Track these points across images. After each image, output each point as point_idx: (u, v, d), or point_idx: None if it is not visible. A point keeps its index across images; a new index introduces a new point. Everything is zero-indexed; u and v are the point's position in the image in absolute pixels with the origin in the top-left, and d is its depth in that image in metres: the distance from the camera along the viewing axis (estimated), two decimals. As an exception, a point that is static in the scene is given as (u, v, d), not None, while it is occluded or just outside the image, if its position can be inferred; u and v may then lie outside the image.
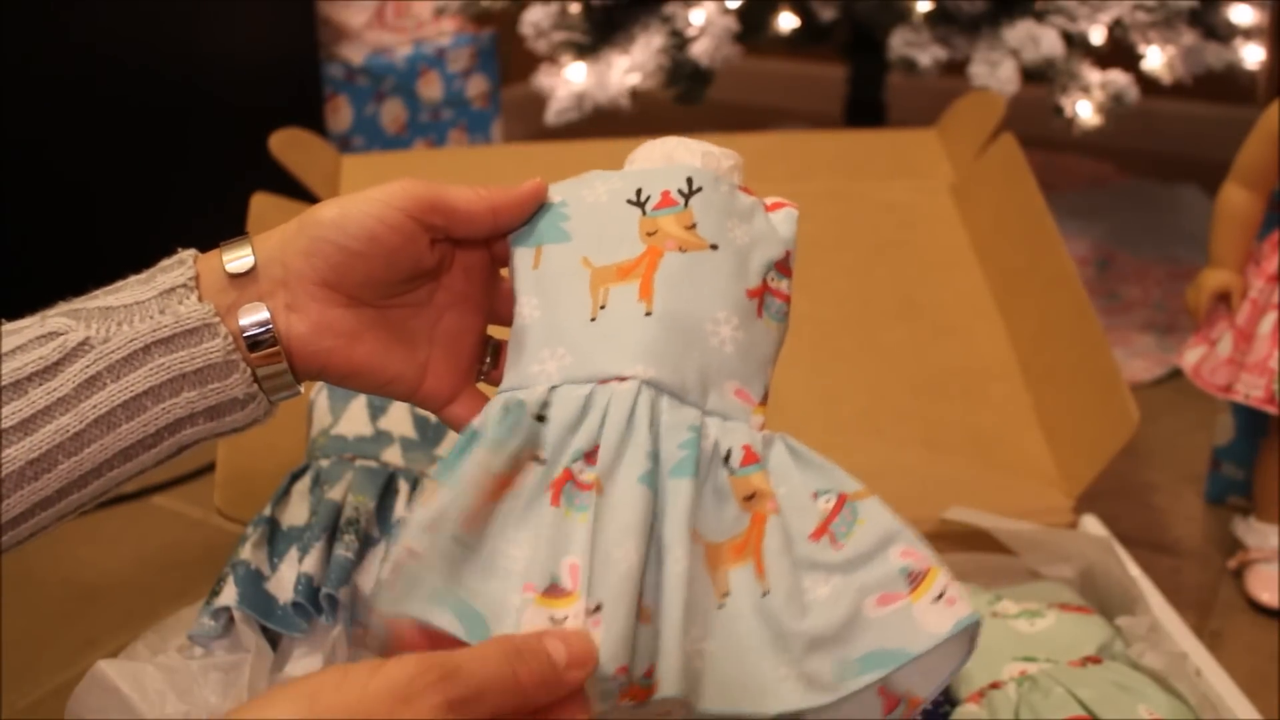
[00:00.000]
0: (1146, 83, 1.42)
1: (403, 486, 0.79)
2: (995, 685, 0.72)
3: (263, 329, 0.50)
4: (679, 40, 1.46)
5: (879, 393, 1.05)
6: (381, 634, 0.43)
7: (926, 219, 1.17)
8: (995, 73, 1.35)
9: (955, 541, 0.88)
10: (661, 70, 1.47)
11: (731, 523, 0.47)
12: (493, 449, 0.46)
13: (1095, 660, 0.72)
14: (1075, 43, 1.41)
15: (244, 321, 0.50)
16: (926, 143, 1.23)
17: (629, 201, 0.52)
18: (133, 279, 0.51)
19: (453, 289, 0.55)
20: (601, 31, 1.54)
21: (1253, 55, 1.49)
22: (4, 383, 0.47)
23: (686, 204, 0.51)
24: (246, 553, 0.74)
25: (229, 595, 0.71)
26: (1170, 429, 1.26)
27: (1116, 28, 1.41)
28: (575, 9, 1.53)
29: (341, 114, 1.82)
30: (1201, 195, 1.86)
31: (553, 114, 1.52)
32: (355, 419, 0.83)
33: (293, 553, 0.74)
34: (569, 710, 0.40)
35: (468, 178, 0.53)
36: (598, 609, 0.42)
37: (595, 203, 0.53)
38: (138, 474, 0.51)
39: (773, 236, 0.52)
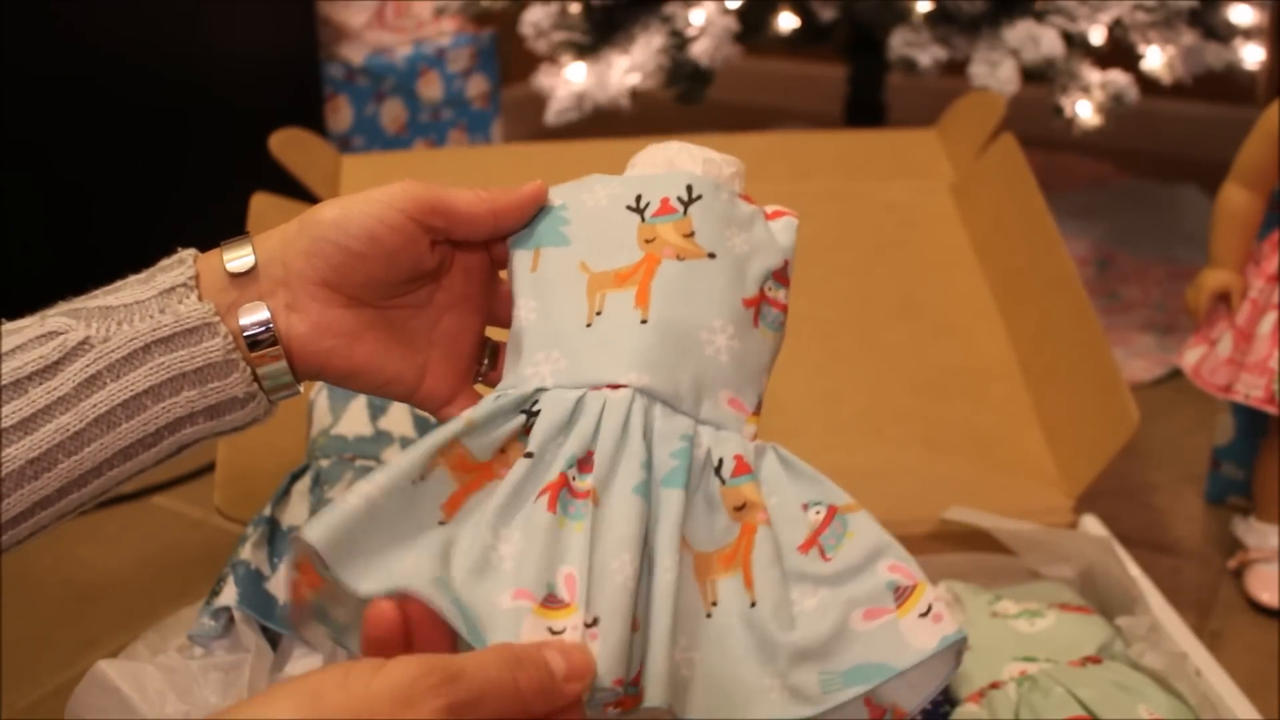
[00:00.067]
0: (1146, 83, 1.42)
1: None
2: (995, 685, 0.72)
3: (263, 328, 0.50)
4: (679, 40, 1.46)
5: (879, 393, 1.05)
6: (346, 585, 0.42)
7: (926, 219, 1.16)
8: (995, 73, 1.35)
9: (955, 541, 0.88)
10: (661, 70, 1.47)
11: (721, 533, 0.47)
12: (475, 436, 0.46)
13: (1095, 660, 0.72)
14: (1075, 43, 1.41)
15: (244, 321, 0.50)
16: (926, 143, 1.23)
17: (628, 207, 0.52)
18: (132, 278, 0.51)
19: (452, 290, 0.55)
20: (601, 31, 1.54)
21: (1253, 55, 1.49)
22: (4, 382, 0.47)
23: (686, 211, 0.51)
24: (246, 553, 0.74)
25: (229, 595, 0.71)
26: (1170, 429, 1.26)
27: (1116, 28, 1.41)
28: (575, 9, 1.53)
29: (341, 114, 1.82)
30: (1201, 195, 1.86)
31: (553, 114, 1.52)
32: (355, 419, 0.83)
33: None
34: None
35: (468, 178, 0.54)
36: (595, 622, 0.42)
37: (595, 207, 0.53)
38: (138, 473, 0.51)
39: (771, 245, 0.53)
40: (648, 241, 0.51)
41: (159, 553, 1.08)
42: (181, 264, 0.51)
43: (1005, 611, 0.78)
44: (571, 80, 1.51)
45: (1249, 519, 1.05)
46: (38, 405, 0.47)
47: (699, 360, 0.49)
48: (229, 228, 0.61)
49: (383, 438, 0.82)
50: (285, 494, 0.79)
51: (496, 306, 0.57)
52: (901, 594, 0.45)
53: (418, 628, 0.42)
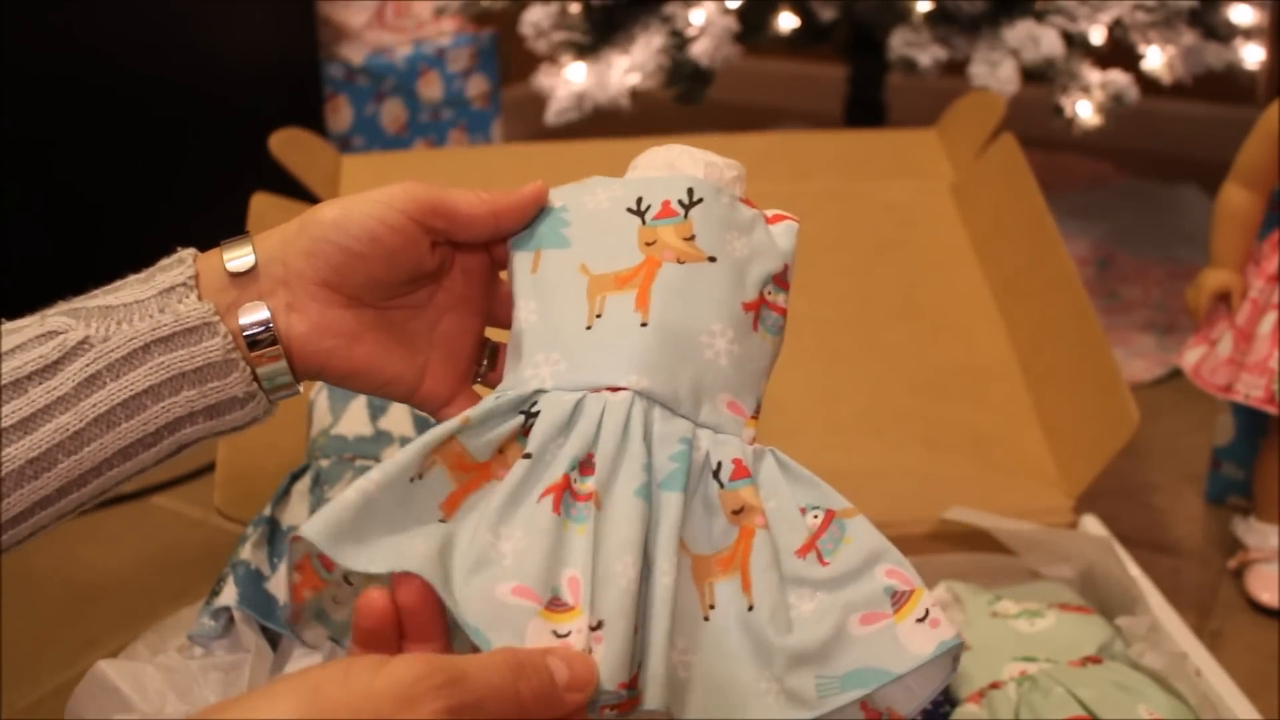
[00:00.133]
0: (1146, 83, 1.42)
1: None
2: (995, 685, 0.72)
3: (263, 328, 0.50)
4: (679, 40, 1.46)
5: (879, 393, 1.05)
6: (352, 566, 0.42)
7: (926, 219, 1.16)
8: (995, 73, 1.35)
9: (955, 541, 0.88)
10: (661, 70, 1.47)
11: (719, 536, 0.47)
12: (473, 435, 0.46)
13: (1095, 660, 0.72)
14: (1075, 43, 1.41)
15: (244, 320, 0.50)
16: (926, 143, 1.23)
17: (629, 210, 0.52)
18: (132, 278, 0.51)
19: (452, 291, 0.55)
20: (601, 31, 1.54)
21: (1253, 55, 1.49)
22: (4, 381, 0.47)
23: (686, 215, 0.51)
24: (246, 553, 0.74)
25: (229, 595, 0.71)
26: (1170, 429, 1.26)
27: (1116, 28, 1.41)
28: (575, 9, 1.53)
29: (341, 114, 1.82)
30: (1201, 195, 1.86)
31: (553, 114, 1.52)
32: (355, 419, 0.83)
33: (293, 552, 0.74)
34: None
35: (468, 178, 0.54)
36: (600, 625, 0.42)
37: (596, 209, 0.53)
38: (137, 473, 0.51)
39: (772, 249, 0.53)
40: (648, 244, 0.51)
41: (159, 553, 1.08)
42: (181, 263, 0.51)
43: (1005, 611, 0.78)
44: (571, 80, 1.51)
45: (1249, 519, 1.05)
46: (37, 405, 0.47)
47: (698, 364, 0.49)
48: (229, 228, 0.61)
49: (383, 438, 0.82)
50: (285, 494, 0.79)
51: (496, 308, 0.57)
52: (899, 599, 0.45)
53: (411, 618, 0.42)
